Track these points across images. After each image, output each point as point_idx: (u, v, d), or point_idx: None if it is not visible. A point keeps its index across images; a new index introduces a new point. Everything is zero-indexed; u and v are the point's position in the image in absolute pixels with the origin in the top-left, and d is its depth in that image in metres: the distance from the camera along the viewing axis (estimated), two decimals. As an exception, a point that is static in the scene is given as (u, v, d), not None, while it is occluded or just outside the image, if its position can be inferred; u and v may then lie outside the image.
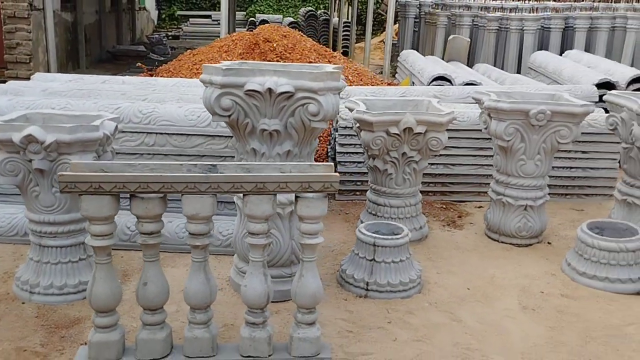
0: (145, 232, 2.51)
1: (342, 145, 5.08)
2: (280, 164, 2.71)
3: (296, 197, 2.59)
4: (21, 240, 3.87)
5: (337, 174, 2.55)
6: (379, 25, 19.90)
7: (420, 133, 3.96)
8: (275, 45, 7.48)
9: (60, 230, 3.20)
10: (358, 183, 5.09)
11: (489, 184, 4.49)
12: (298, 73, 3.04)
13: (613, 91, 4.49)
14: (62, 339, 2.88)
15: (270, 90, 2.97)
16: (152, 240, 2.52)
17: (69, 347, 2.82)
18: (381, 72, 11.73)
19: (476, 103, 4.64)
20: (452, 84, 7.35)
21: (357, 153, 5.05)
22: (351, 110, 4.21)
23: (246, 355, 2.66)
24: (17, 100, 4.27)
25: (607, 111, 4.58)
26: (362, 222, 4.37)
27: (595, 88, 6.32)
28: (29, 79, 5.78)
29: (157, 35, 15.38)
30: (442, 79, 7.60)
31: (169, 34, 19.43)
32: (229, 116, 3.07)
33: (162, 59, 12.88)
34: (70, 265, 3.26)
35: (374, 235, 3.47)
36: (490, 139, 4.40)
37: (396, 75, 10.60)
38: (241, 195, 3.20)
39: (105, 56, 14.03)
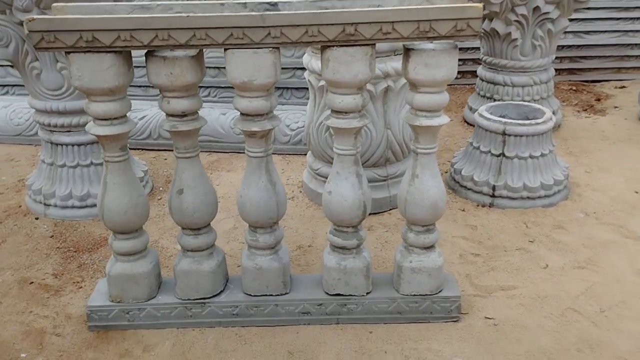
0: (173, 113, 1.62)
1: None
2: (379, -1, 1.71)
3: (407, 49, 1.61)
4: (44, 141, 3.12)
5: (478, 5, 1.53)
6: None
7: (563, -24, 2.81)
8: None
9: (74, 121, 2.38)
10: (459, 62, 3.99)
11: (633, 56, 3.32)
12: None
13: None
14: (80, 267, 2.12)
15: None
16: (184, 126, 1.63)
17: (89, 278, 2.06)
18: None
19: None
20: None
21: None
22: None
23: (334, 294, 1.81)
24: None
25: None
26: (471, 108, 3.35)
27: None
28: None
29: None
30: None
31: None
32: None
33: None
34: (94, 168, 2.46)
35: (503, 120, 2.45)
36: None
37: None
38: (311, 63, 2.26)
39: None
